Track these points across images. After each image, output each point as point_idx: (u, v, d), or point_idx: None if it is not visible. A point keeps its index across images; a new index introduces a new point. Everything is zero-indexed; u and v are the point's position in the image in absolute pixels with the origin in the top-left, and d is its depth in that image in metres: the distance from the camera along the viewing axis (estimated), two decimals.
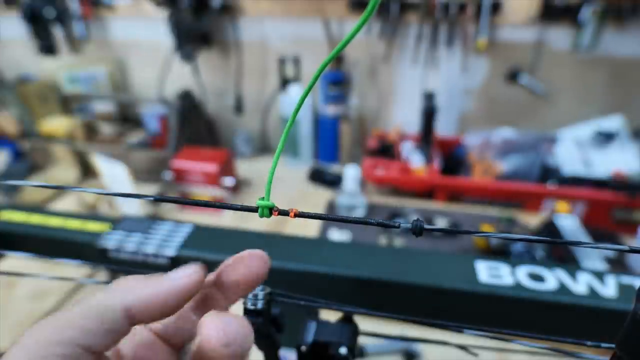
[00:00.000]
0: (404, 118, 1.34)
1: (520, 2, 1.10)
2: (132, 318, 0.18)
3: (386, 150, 1.18)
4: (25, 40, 1.37)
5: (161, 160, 1.15)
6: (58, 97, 1.32)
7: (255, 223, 0.92)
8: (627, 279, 0.38)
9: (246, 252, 0.22)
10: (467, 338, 0.27)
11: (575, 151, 1.07)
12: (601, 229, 0.95)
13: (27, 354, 0.15)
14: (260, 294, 0.26)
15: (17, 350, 0.15)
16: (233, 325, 0.18)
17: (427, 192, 1.09)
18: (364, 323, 0.32)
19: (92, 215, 0.51)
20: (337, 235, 0.92)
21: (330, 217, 0.22)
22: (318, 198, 1.09)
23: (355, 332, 0.31)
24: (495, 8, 1.10)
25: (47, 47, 1.28)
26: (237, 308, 0.24)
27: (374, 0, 0.14)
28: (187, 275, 0.19)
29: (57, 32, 1.33)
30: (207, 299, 0.22)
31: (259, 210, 0.21)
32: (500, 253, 0.83)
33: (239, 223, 0.97)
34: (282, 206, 0.21)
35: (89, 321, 0.17)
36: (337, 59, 1.24)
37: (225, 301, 0.22)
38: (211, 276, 0.22)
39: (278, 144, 0.20)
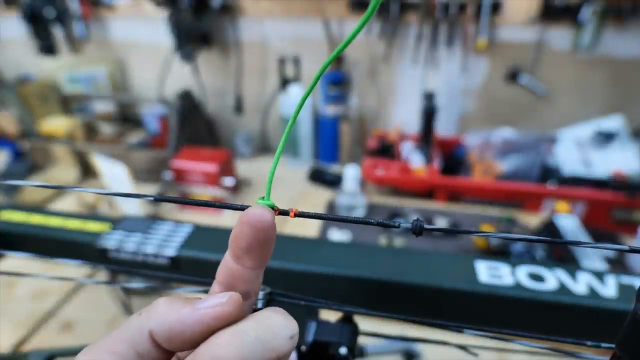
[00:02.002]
0: (404, 118, 1.34)
1: (520, 2, 1.10)
2: (158, 345, 0.17)
3: (386, 150, 1.18)
4: (25, 40, 1.37)
5: (161, 160, 1.15)
6: (58, 97, 1.32)
7: None
8: (627, 279, 0.38)
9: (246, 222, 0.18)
10: (467, 338, 0.27)
11: (575, 151, 1.07)
12: (601, 229, 0.95)
13: None
14: (260, 294, 0.26)
15: None
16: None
17: (427, 192, 1.09)
18: (364, 323, 0.32)
19: (92, 215, 0.51)
20: (337, 235, 0.92)
21: (330, 217, 0.22)
22: (318, 198, 1.09)
23: (355, 332, 0.31)
24: (495, 8, 1.10)
25: (47, 47, 1.28)
26: None
27: (375, 1, 0.14)
28: (212, 305, 0.17)
29: (57, 32, 1.33)
30: None
31: None
32: (500, 253, 0.83)
33: None
34: (282, 206, 0.21)
35: (123, 346, 0.17)
36: (337, 59, 1.24)
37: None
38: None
39: (278, 144, 0.20)
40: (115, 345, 0.17)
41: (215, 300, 0.17)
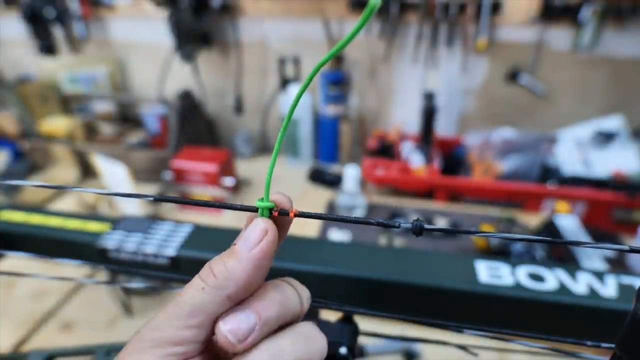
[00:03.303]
0: (404, 118, 1.34)
1: (520, 2, 1.10)
2: (234, 301, 0.19)
3: (386, 150, 1.18)
4: (25, 40, 1.37)
5: (161, 160, 1.15)
6: (58, 97, 1.32)
7: None
8: (627, 279, 0.38)
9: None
10: (467, 338, 0.27)
11: (575, 151, 1.07)
12: (601, 229, 0.95)
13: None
14: None
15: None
16: (242, 323, 0.19)
17: (427, 192, 1.09)
18: (364, 323, 0.32)
19: (92, 215, 0.51)
20: (337, 235, 0.92)
21: (330, 217, 0.22)
22: (318, 198, 1.09)
23: (355, 332, 0.31)
24: (495, 8, 1.10)
25: (47, 47, 1.28)
26: None
27: (370, 8, 0.14)
28: (259, 239, 0.19)
29: (57, 32, 1.33)
30: None
31: (259, 211, 0.21)
32: (500, 253, 0.83)
33: (239, 223, 0.97)
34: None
35: (197, 319, 0.19)
36: (337, 59, 1.24)
37: None
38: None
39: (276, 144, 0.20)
40: (188, 321, 0.18)
41: (257, 235, 0.19)
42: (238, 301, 0.19)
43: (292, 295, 0.21)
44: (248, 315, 0.19)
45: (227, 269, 0.19)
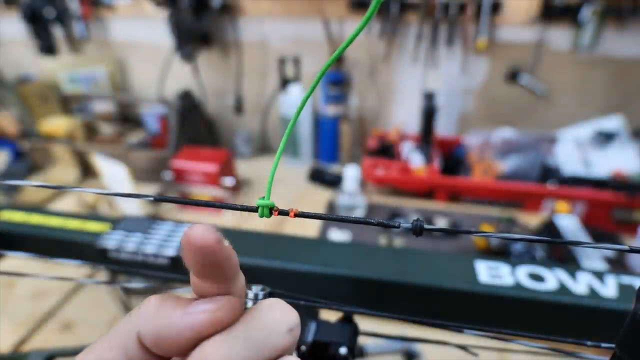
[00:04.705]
0: (404, 118, 1.34)
1: (520, 2, 1.10)
2: (146, 348, 0.16)
3: (386, 150, 1.18)
4: (25, 40, 1.37)
5: (161, 160, 1.15)
6: (58, 97, 1.32)
7: (255, 223, 0.92)
8: (627, 279, 0.38)
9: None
10: (467, 338, 0.27)
11: (575, 151, 1.07)
12: (601, 229, 0.95)
13: None
14: (260, 294, 0.26)
15: None
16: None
17: (427, 192, 1.09)
18: (364, 323, 0.32)
19: (92, 215, 0.51)
20: (337, 235, 0.92)
21: (330, 217, 0.22)
22: (318, 198, 1.09)
23: (355, 332, 0.31)
24: (495, 8, 1.10)
25: (47, 47, 1.28)
26: None
27: (374, 5, 0.14)
28: (206, 310, 0.15)
29: (57, 32, 1.33)
30: None
31: (259, 210, 0.21)
32: (500, 253, 0.83)
33: (239, 223, 0.97)
34: (282, 206, 0.21)
35: (113, 352, 0.16)
36: (337, 59, 1.24)
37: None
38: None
39: (278, 144, 0.20)
40: (105, 352, 0.16)
41: (211, 305, 0.16)
42: (152, 348, 0.16)
43: (263, 327, 0.16)
44: None
45: (161, 303, 0.16)
